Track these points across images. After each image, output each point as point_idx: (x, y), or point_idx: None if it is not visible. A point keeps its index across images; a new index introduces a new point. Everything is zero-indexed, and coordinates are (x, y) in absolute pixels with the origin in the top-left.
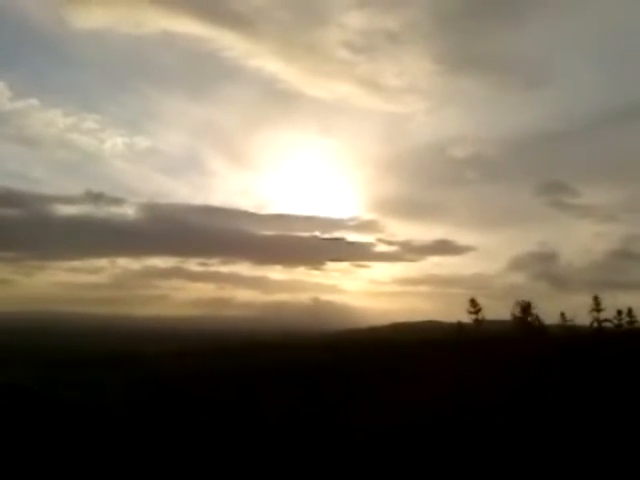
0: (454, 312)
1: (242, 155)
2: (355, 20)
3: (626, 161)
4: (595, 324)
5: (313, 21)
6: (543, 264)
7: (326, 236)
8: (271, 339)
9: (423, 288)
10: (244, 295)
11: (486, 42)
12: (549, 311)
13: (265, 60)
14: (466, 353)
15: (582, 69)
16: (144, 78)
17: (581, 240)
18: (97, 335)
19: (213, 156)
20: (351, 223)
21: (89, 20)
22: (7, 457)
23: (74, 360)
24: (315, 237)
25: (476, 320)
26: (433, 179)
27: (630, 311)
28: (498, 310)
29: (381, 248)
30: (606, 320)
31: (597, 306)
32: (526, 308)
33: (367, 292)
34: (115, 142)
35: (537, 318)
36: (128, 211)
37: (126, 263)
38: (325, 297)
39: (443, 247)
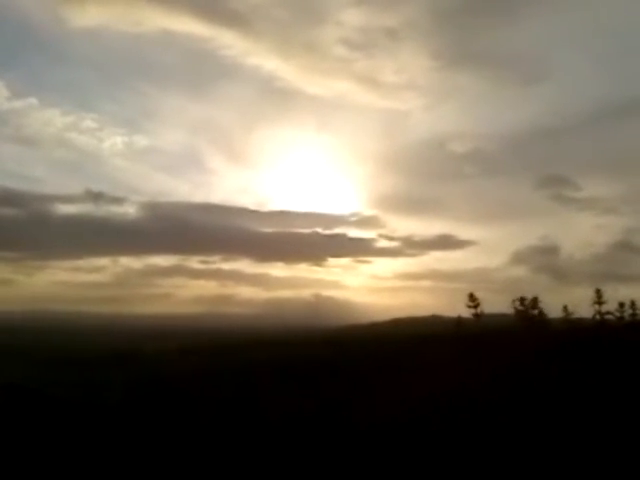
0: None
1: (241, 152)
2: (353, 17)
3: (625, 154)
4: (597, 317)
5: (311, 19)
6: (544, 257)
7: (327, 232)
8: (273, 335)
9: (425, 283)
10: (246, 292)
11: (484, 38)
12: (551, 304)
13: (263, 58)
14: (466, 347)
15: (580, 64)
16: (142, 77)
17: (582, 233)
18: (99, 334)
19: (213, 154)
20: (352, 219)
21: (87, 19)
22: (7, 457)
23: (76, 359)
24: (316, 233)
25: (475, 314)
26: (433, 174)
27: (633, 303)
28: (500, 304)
29: (382, 243)
30: (608, 313)
31: (599, 299)
32: (533, 303)
33: (369, 287)
34: (114, 141)
35: (540, 312)
36: (129, 210)
37: (127, 262)
38: (327, 293)
39: (444, 242)
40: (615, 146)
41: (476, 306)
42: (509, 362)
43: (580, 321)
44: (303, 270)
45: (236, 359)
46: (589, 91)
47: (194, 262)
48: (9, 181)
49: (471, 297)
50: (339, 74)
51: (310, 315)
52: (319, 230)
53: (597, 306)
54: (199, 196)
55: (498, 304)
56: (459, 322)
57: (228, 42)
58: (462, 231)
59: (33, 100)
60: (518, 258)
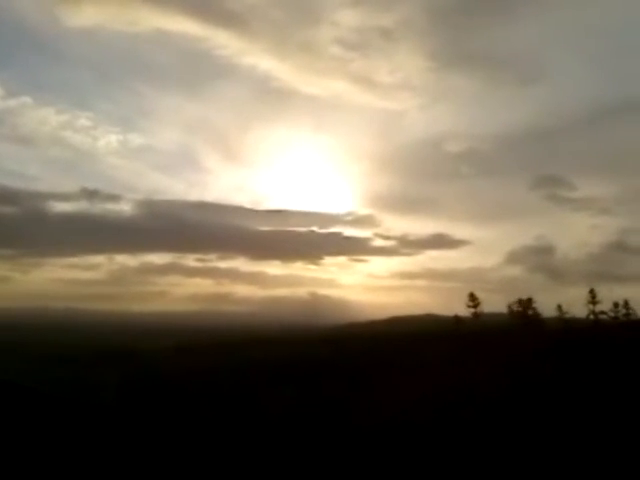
0: (451, 305)
1: (237, 152)
2: (348, 17)
3: (620, 155)
4: (591, 316)
5: (306, 19)
6: (539, 257)
7: (323, 231)
8: (269, 334)
9: (420, 282)
10: (242, 290)
11: (479, 38)
12: (546, 303)
13: (259, 58)
14: (464, 345)
15: (574, 65)
16: (137, 76)
17: (577, 233)
18: (95, 331)
19: (208, 153)
20: (347, 218)
21: (82, 18)
22: (3, 456)
23: (71, 356)
24: (312, 232)
25: (474, 314)
26: (428, 174)
27: (626, 303)
28: (495, 303)
29: (378, 242)
30: (602, 312)
31: (593, 298)
32: (527, 304)
33: (365, 286)
34: (109, 139)
35: (535, 311)
36: (124, 208)
37: (123, 259)
38: (323, 292)
39: (439, 241)
40: (610, 147)
41: (476, 306)
42: (506, 360)
43: (574, 320)
44: (299, 268)
45: (233, 357)
46: (584, 91)
47: (190, 260)
48: (5, 179)
49: (471, 297)
50: (335, 74)
51: (306, 313)
52: (315, 229)
53: (591, 306)
54: (195, 194)
55: (493, 303)
56: (458, 321)
57: (224, 42)
58: (457, 230)
59: (28, 99)
60: (513, 258)
